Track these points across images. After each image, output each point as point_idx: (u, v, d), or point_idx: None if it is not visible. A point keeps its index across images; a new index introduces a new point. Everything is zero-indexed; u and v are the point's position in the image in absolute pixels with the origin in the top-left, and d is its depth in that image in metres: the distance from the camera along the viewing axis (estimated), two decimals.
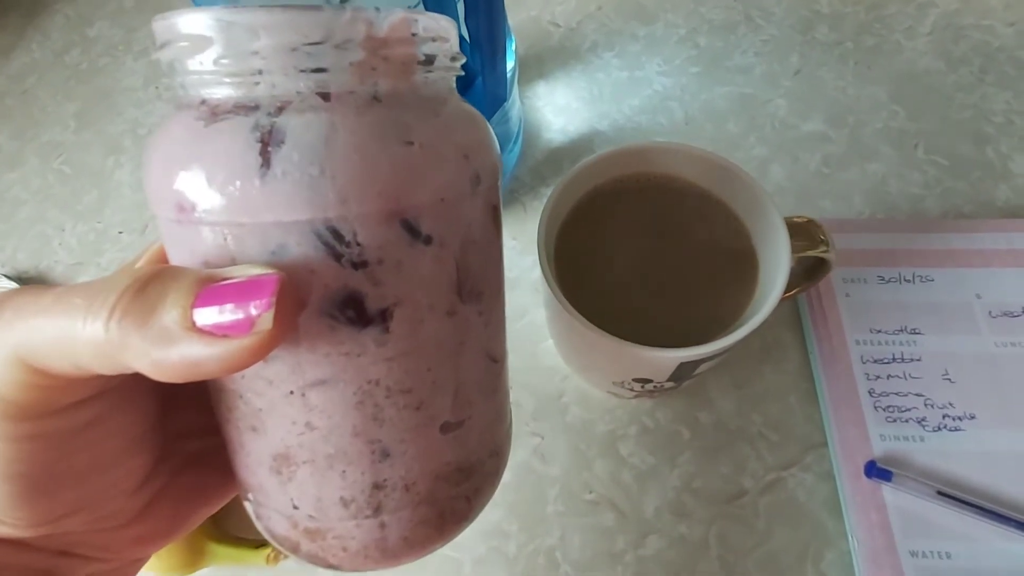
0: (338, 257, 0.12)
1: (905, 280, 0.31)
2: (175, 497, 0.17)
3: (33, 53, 0.49)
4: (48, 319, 0.11)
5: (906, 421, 0.28)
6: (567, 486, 0.29)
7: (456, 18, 0.26)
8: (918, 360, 0.29)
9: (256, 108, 0.12)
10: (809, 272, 0.28)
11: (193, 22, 0.12)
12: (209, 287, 0.11)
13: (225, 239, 0.12)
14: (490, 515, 0.29)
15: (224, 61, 0.12)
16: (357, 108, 0.12)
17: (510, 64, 0.32)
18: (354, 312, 0.12)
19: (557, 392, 0.31)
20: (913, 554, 0.25)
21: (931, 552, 0.25)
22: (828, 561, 0.27)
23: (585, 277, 0.25)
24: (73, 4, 0.51)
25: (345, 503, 0.14)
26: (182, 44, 0.12)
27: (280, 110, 0.12)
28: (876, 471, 0.26)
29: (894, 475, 0.26)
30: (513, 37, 0.33)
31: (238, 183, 0.11)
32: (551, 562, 0.28)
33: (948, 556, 0.25)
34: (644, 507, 0.28)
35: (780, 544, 0.27)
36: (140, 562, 0.17)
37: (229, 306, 0.10)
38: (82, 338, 0.11)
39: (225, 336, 0.10)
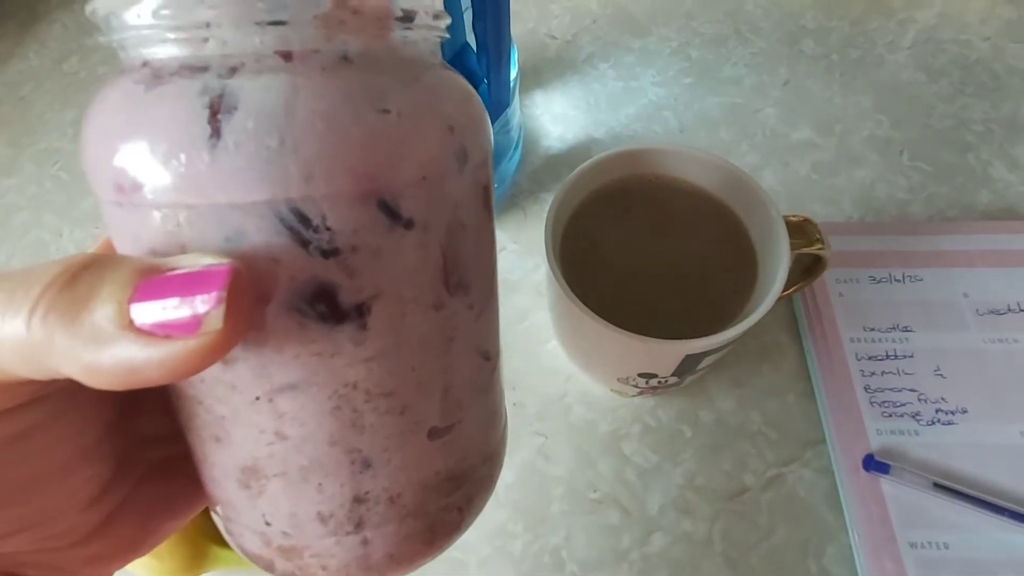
0: (305, 244, 0.10)
1: (896, 280, 0.32)
2: (138, 510, 0.15)
3: (30, 61, 0.49)
4: None
5: (901, 416, 0.29)
6: (571, 485, 0.29)
7: (463, 24, 0.27)
8: (910, 357, 0.30)
9: (205, 69, 0.10)
10: (806, 271, 0.29)
11: None
12: (150, 279, 0.09)
13: (173, 224, 0.10)
14: (495, 515, 0.29)
15: (165, 12, 0.10)
16: (323, 69, 0.10)
17: (513, 72, 0.33)
18: (326, 307, 0.11)
19: (560, 393, 0.32)
20: (912, 545, 0.26)
21: (929, 543, 0.26)
22: (830, 555, 0.27)
23: (590, 275, 0.25)
24: (71, 14, 0.51)
25: (323, 519, 0.13)
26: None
27: (233, 71, 0.10)
28: (874, 464, 0.27)
29: (892, 468, 0.27)
30: (515, 46, 0.34)
31: (183, 157, 0.10)
32: (557, 561, 0.28)
33: (946, 547, 0.26)
34: (648, 505, 0.29)
35: (782, 539, 0.27)
36: None
37: (173, 301, 0.09)
38: (0, 337, 0.09)
39: (167, 337, 0.09)
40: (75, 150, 0.43)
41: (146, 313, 0.09)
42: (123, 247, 0.11)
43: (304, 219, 0.10)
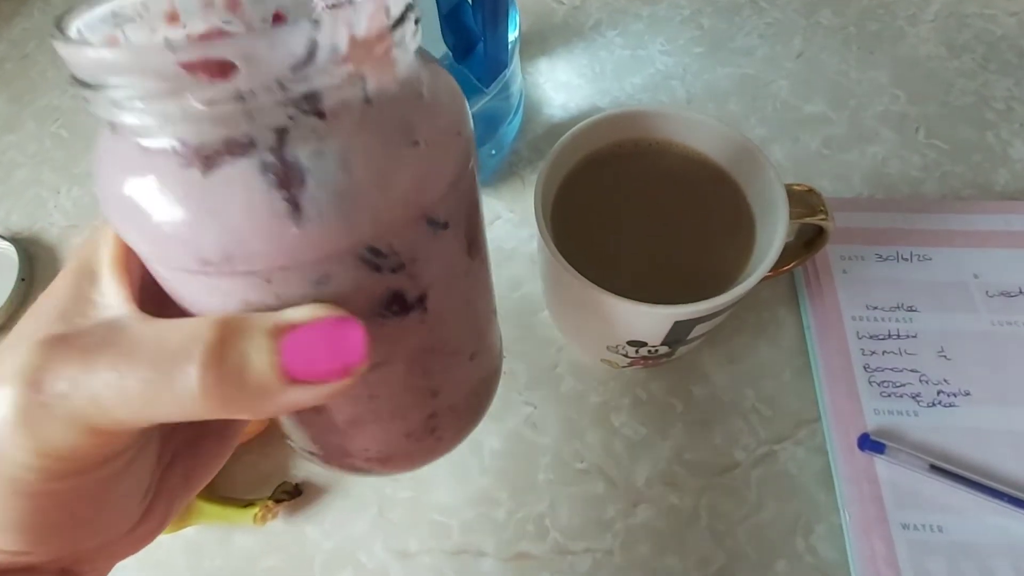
0: (379, 268, 0.12)
1: (903, 258, 0.31)
2: (167, 493, 0.16)
3: (34, 19, 0.48)
4: (122, 381, 0.11)
5: (900, 396, 0.28)
6: (558, 455, 0.29)
7: None
8: (914, 337, 0.29)
9: (252, 145, 0.11)
10: (808, 244, 0.28)
11: (155, 59, 0.10)
12: (291, 337, 0.11)
13: (265, 280, 0.12)
14: (479, 481, 0.28)
15: (208, 99, 0.10)
16: (355, 120, 0.11)
17: (513, 34, 0.32)
18: (398, 306, 0.13)
19: (551, 363, 0.31)
20: (905, 527, 0.25)
21: (923, 525, 0.25)
22: (818, 533, 0.26)
23: (582, 239, 0.25)
24: None
25: (408, 435, 0.17)
26: (149, 85, 0.10)
27: (280, 141, 0.11)
28: (870, 444, 0.26)
29: (887, 448, 0.26)
30: (517, 8, 0.33)
31: (271, 232, 0.11)
32: (540, 529, 0.27)
33: (940, 529, 0.25)
34: (635, 477, 0.28)
35: (770, 516, 0.27)
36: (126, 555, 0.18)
37: (324, 357, 0.11)
38: (170, 397, 0.11)
39: (324, 381, 0.11)
40: (76, 107, 0.43)
41: (302, 369, 0.11)
42: (209, 301, 0.12)
43: (376, 251, 0.12)
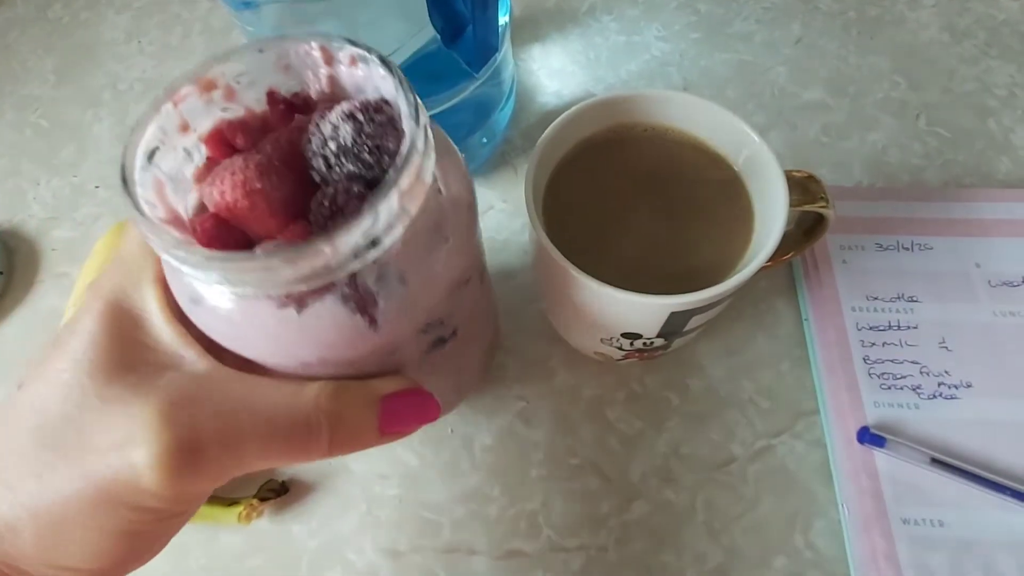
0: (427, 331, 0.17)
1: (904, 248, 0.30)
2: None
3: (17, 8, 0.47)
4: (265, 444, 0.14)
5: (901, 388, 0.27)
6: (551, 450, 0.28)
7: None
8: (915, 328, 0.28)
9: (332, 284, 0.13)
10: (807, 232, 0.27)
11: (265, 261, 0.12)
12: (386, 405, 0.16)
13: (350, 365, 0.15)
14: (470, 478, 0.28)
15: (305, 274, 0.13)
16: (404, 240, 0.14)
17: (504, 18, 0.31)
18: (440, 342, 0.18)
19: (544, 356, 0.30)
20: (905, 521, 0.24)
21: (924, 520, 0.24)
22: (817, 529, 0.26)
23: (575, 228, 0.24)
24: None
25: (441, 402, 0.22)
26: (256, 274, 0.12)
27: (352, 277, 0.13)
28: (869, 437, 0.26)
29: (887, 441, 0.25)
30: None
31: (358, 342, 0.14)
32: (533, 526, 0.27)
33: (941, 524, 0.24)
34: (630, 472, 0.27)
35: (768, 511, 0.26)
36: None
37: (409, 418, 0.16)
38: (305, 454, 0.15)
39: (407, 433, 0.17)
40: (56, 97, 0.42)
41: (394, 427, 0.16)
42: (305, 376, 0.16)
43: (430, 325, 0.16)
